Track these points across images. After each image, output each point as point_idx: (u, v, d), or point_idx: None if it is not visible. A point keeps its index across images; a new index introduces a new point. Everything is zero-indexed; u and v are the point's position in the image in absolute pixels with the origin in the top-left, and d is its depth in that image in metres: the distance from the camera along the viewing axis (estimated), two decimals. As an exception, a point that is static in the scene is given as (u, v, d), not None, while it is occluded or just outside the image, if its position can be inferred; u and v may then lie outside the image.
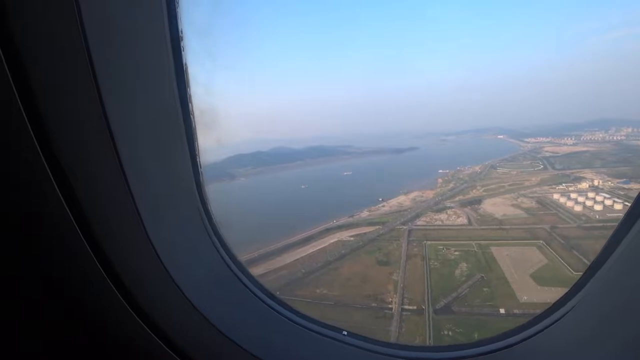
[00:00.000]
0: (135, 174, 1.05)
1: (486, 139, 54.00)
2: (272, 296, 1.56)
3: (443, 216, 26.58)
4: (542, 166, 34.61)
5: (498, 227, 23.92)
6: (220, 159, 46.33)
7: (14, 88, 0.79)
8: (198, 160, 1.37)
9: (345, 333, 1.50)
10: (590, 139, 39.87)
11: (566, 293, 1.44)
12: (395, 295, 17.96)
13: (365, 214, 28.77)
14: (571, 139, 41.35)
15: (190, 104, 1.26)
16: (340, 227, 26.54)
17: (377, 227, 25.92)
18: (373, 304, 17.57)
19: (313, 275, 20.40)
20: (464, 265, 19.99)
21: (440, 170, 38.50)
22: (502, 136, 52.24)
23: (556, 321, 1.41)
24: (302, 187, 39.24)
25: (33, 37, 0.81)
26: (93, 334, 1.20)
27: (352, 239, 24.70)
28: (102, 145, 0.96)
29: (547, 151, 39.26)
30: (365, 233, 25.23)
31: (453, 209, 27.35)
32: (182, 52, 1.18)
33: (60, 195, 0.92)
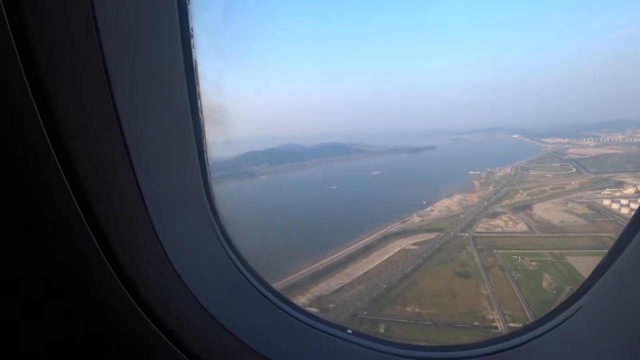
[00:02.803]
0: (144, 171, 1.05)
1: (500, 138, 54.34)
2: (277, 294, 1.55)
3: (499, 222, 26.23)
4: (574, 169, 34.82)
5: (562, 235, 23.77)
6: (233, 156, 44.45)
7: (28, 86, 0.80)
8: (206, 158, 1.35)
9: (350, 332, 1.51)
10: (610, 140, 40.63)
11: (573, 294, 1.43)
12: (494, 312, 17.33)
13: (416, 219, 28.07)
14: (590, 140, 41.97)
15: (199, 102, 1.25)
16: (398, 234, 25.71)
17: (437, 234, 25.25)
18: (475, 323, 16.85)
19: (395, 290, 19.45)
20: (547, 276, 19.61)
21: (471, 172, 38.20)
22: (516, 136, 52.61)
23: (563, 322, 1.39)
24: (333, 187, 37.96)
25: (46, 35, 0.81)
26: (100, 330, 1.19)
27: (415, 247, 23.93)
28: (112, 142, 0.96)
29: (572, 153, 39.62)
30: (427, 241, 24.52)
31: (507, 215, 27.04)
32: (193, 50, 1.16)
33: (70, 192, 0.92)
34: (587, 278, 1.43)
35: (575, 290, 1.45)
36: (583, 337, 1.37)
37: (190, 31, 1.15)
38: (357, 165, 48.83)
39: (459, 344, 1.56)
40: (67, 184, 0.92)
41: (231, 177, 41.93)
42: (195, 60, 1.20)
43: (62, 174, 0.90)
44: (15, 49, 0.77)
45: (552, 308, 1.48)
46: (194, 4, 1.15)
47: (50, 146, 0.87)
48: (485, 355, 1.43)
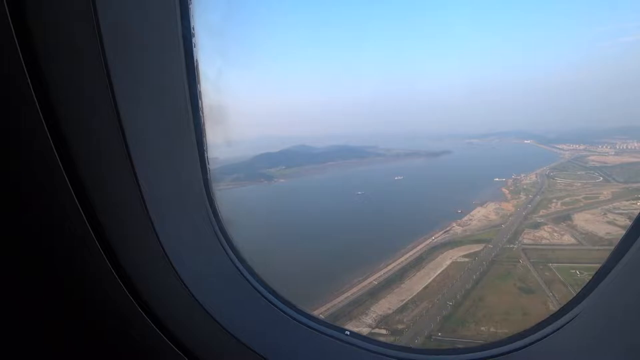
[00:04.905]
0: (145, 172, 1.05)
1: (513, 143, 54.48)
2: (276, 295, 1.55)
3: (543, 233, 25.92)
4: (601, 178, 34.85)
5: (613, 247, 23.50)
6: (248, 158, 43.19)
7: (30, 86, 0.81)
8: (206, 158, 1.35)
9: (348, 333, 1.52)
10: (627, 148, 41.10)
11: (571, 300, 1.45)
12: (572, 333, 16.83)
13: (458, 229, 27.57)
14: (607, 147, 42.33)
15: (200, 101, 1.25)
16: (444, 245, 25.12)
17: (484, 245, 24.75)
18: (558, 344, 16.27)
19: (462, 308, 18.77)
20: (612, 293, 19.26)
21: (496, 179, 37.95)
22: (529, 141, 52.81)
23: (561, 327, 1.41)
24: (359, 193, 37.11)
25: (49, 36, 0.83)
26: (102, 332, 1.20)
27: (466, 259, 23.36)
28: (113, 140, 0.96)
29: (593, 161, 39.76)
30: (476, 253, 23.98)
31: (549, 226, 26.76)
32: (194, 49, 1.16)
33: (72, 191, 0.93)
34: (585, 285, 1.44)
35: (573, 297, 1.47)
36: (580, 343, 1.39)
37: (192, 30, 1.14)
38: (375, 169, 48.20)
39: (453, 348, 1.58)
40: (68, 182, 0.92)
41: (248, 179, 40.72)
42: (197, 60, 1.18)
43: (63, 171, 0.91)
44: (18, 47, 0.77)
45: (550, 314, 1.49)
46: (196, 3, 1.13)
47: (52, 145, 0.87)
48: (481, 359, 1.43)
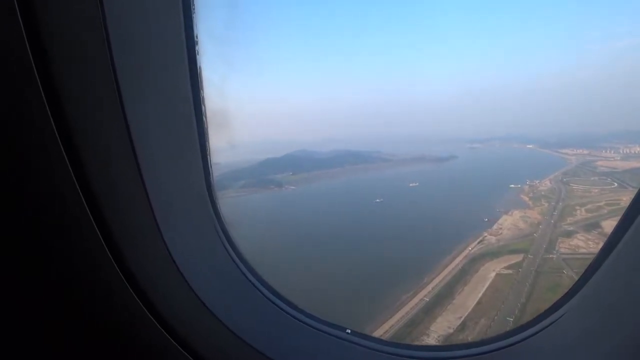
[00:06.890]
0: (151, 175, 1.07)
1: (515, 148, 55.03)
2: (278, 295, 1.56)
3: (578, 242, 25.75)
4: (616, 184, 35.28)
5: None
6: (252, 164, 41.68)
7: (42, 93, 0.84)
8: (209, 162, 1.36)
9: (349, 331, 1.53)
10: (630, 152, 42.05)
11: (564, 294, 1.44)
12: None
13: (491, 238, 27.06)
14: (611, 152, 43.21)
15: (203, 106, 1.26)
16: (483, 256, 24.53)
17: (522, 255, 24.32)
18: None
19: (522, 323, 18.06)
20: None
21: (512, 185, 37.96)
22: (531, 146, 53.44)
23: (554, 322, 1.40)
24: (377, 200, 36.24)
25: (59, 42, 0.85)
26: (108, 332, 1.21)
27: (510, 271, 22.81)
28: (120, 144, 0.98)
29: (602, 166, 40.40)
30: (517, 264, 23.50)
31: (581, 234, 26.67)
32: (197, 56, 1.19)
33: (80, 192, 0.95)
34: (576, 280, 1.42)
35: (565, 292, 1.44)
36: (573, 338, 1.37)
37: (195, 38, 1.16)
38: (385, 175, 47.50)
39: (452, 344, 1.46)
40: (76, 184, 0.94)
41: (257, 185, 39.17)
42: (200, 66, 1.21)
43: (72, 174, 0.92)
44: (29, 50, 0.79)
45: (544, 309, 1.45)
46: (198, 11, 1.16)
47: (62, 149, 0.89)
48: (477, 355, 1.42)
